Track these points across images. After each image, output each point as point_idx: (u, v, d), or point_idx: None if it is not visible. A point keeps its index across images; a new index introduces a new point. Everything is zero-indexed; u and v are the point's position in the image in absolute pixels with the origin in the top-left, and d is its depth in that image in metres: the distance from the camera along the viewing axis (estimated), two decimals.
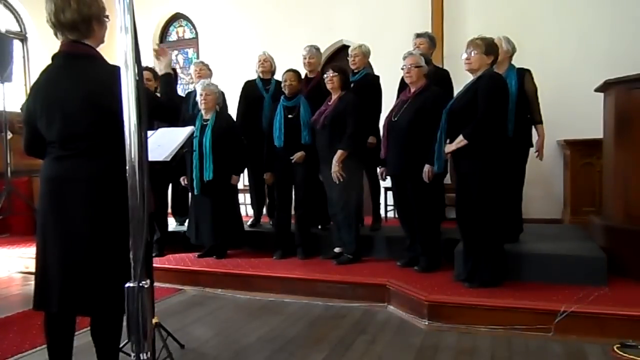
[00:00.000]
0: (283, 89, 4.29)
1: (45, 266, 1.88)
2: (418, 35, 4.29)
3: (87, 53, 1.89)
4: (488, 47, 3.20)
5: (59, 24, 1.85)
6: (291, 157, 4.19)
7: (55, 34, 1.90)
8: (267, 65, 4.79)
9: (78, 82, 1.83)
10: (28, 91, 2.01)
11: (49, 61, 1.94)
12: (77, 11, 1.82)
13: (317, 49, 4.71)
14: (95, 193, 1.83)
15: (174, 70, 5.29)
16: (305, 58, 4.61)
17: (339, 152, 3.84)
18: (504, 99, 3.19)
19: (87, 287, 1.83)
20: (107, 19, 1.95)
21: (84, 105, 1.81)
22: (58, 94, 1.84)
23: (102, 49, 1.98)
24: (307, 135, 4.17)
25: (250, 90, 4.83)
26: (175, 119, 2.18)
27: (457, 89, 3.64)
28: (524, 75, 3.59)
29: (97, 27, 1.90)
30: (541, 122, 3.68)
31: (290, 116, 4.23)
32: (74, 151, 1.84)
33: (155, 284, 3.38)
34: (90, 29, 1.88)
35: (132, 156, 1.23)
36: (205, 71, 5.04)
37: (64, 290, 1.83)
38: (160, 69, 2.18)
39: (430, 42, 4.29)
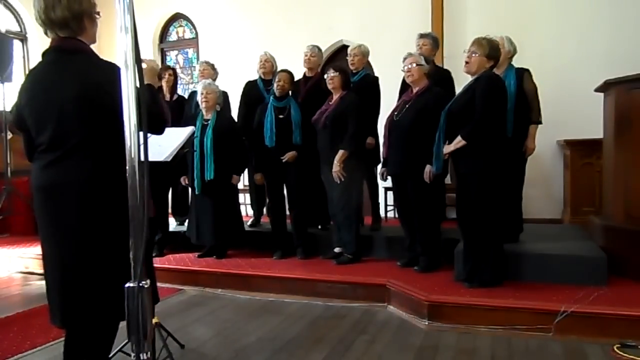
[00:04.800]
0: (275, 89, 4.27)
1: (47, 281, 1.83)
2: (421, 36, 4.27)
3: (79, 48, 1.79)
4: (491, 50, 3.19)
5: (49, 22, 1.75)
6: (282, 157, 4.18)
7: (45, 32, 1.81)
8: (269, 65, 4.78)
9: (70, 78, 1.73)
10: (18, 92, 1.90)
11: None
12: (67, 8, 1.74)
13: (320, 49, 4.73)
14: (85, 198, 1.72)
15: (174, 70, 5.32)
16: (306, 55, 4.61)
17: (341, 152, 3.84)
18: (501, 100, 3.19)
19: (85, 302, 1.74)
20: (98, 16, 1.86)
21: (76, 102, 1.71)
22: (48, 93, 1.74)
23: (102, 49, 1.93)
24: (298, 135, 4.18)
25: (251, 91, 4.82)
26: (161, 129, 1.99)
27: (458, 89, 3.63)
28: (523, 74, 3.56)
29: (89, 24, 1.82)
30: (538, 122, 3.62)
31: (281, 116, 4.22)
32: (61, 152, 1.72)
33: None
34: (81, 26, 1.79)
35: (132, 156, 1.23)
36: (208, 71, 5.01)
37: (63, 307, 1.77)
38: None
39: (434, 42, 4.27)
